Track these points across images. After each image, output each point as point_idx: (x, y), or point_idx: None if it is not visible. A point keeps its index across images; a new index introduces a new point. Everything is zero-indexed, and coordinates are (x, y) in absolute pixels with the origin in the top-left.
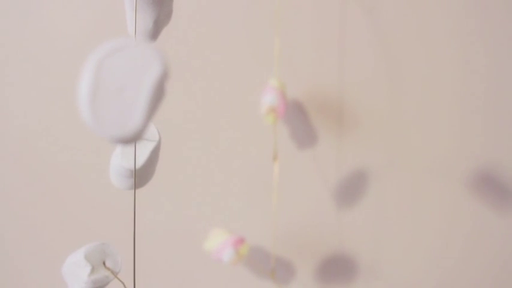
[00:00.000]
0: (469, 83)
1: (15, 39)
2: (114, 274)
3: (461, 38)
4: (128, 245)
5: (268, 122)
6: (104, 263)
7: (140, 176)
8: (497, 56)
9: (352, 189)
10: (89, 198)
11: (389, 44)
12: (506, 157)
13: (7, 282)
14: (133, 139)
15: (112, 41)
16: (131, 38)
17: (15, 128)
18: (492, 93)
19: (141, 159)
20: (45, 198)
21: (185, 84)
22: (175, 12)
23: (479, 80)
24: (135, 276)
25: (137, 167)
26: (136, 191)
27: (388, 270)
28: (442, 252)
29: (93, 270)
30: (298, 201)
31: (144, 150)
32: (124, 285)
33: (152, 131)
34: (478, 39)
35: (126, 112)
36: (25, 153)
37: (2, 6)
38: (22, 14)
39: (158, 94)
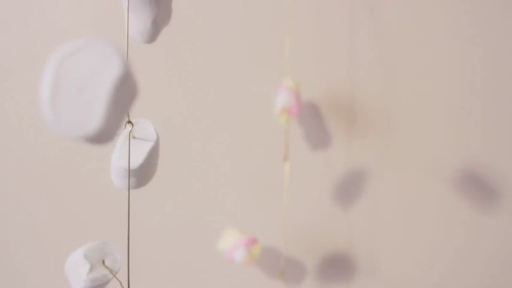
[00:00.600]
0: (469, 85)
1: (14, 40)
2: (113, 273)
3: (462, 43)
4: (130, 244)
5: (282, 121)
6: (103, 262)
7: (140, 176)
8: (496, 58)
9: (361, 190)
10: (88, 197)
11: (393, 46)
12: (502, 158)
13: (7, 282)
14: (96, 139)
15: (73, 40)
16: (93, 37)
17: (14, 127)
18: (491, 95)
19: (139, 159)
20: (45, 198)
21: (193, 84)
22: (182, 13)
23: (480, 83)
24: (135, 276)
25: (135, 166)
26: (141, 190)
27: (398, 270)
28: (448, 253)
29: (92, 269)
30: (308, 201)
31: (141, 150)
32: (121, 284)
33: (150, 131)
34: (478, 41)
35: (87, 112)
36: (24, 153)
37: (2, 8)
38: (22, 15)
39: (123, 93)
